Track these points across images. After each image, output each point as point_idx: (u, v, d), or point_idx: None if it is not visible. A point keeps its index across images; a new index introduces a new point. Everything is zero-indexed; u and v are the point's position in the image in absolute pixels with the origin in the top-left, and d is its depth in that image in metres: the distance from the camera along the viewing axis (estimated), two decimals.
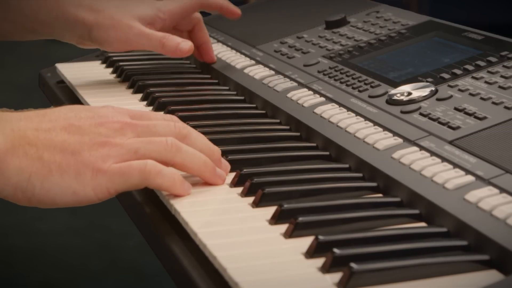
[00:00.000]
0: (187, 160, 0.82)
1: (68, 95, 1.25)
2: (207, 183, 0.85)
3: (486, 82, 0.96)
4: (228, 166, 0.88)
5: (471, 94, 0.94)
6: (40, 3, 1.18)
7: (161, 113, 0.88)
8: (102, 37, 1.17)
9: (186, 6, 1.23)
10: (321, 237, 0.70)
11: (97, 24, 1.17)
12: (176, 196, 0.82)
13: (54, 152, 0.78)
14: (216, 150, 0.87)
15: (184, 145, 0.83)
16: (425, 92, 0.97)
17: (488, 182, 0.78)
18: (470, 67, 1.01)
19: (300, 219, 0.74)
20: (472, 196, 0.75)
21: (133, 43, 1.18)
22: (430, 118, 0.91)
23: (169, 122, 0.85)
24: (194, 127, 0.88)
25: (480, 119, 0.89)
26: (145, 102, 1.15)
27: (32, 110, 0.84)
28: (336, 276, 0.66)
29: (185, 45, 1.17)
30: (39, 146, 0.77)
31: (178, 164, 0.82)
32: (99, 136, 0.80)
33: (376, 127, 0.93)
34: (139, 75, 1.26)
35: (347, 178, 0.87)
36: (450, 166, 0.81)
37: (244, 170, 0.86)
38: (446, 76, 1.00)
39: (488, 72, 0.99)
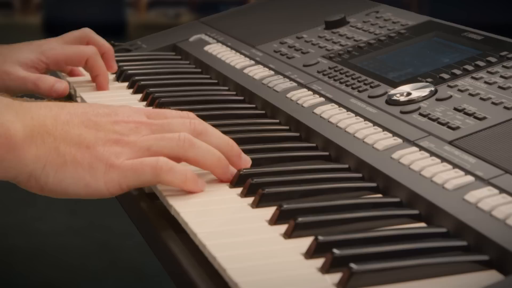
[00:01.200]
0: (200, 156, 0.83)
1: (68, 95, 1.25)
2: (219, 181, 0.86)
3: (485, 82, 0.96)
4: (248, 161, 0.88)
5: (470, 94, 0.94)
6: None
7: (177, 111, 0.88)
8: None
9: (71, 56, 1.22)
10: (320, 238, 0.70)
11: None
12: (190, 192, 0.82)
13: (70, 144, 0.79)
14: (235, 145, 0.87)
15: (198, 141, 0.83)
16: (425, 92, 0.97)
17: (487, 182, 0.78)
18: (469, 67, 1.01)
19: (300, 219, 0.74)
20: (472, 196, 0.75)
21: (11, 88, 1.18)
22: (430, 118, 0.91)
23: (185, 119, 0.86)
24: None
25: (479, 119, 0.89)
26: (144, 103, 1.15)
27: (51, 101, 0.86)
28: (336, 277, 0.66)
29: (60, 86, 1.17)
30: (57, 136, 0.79)
31: (191, 159, 0.83)
32: (114, 134, 0.81)
33: (376, 127, 0.93)
34: (139, 75, 1.26)
35: (346, 179, 0.87)
36: (450, 167, 0.81)
37: (244, 170, 0.86)
38: (445, 76, 1.00)
39: (488, 72, 0.99)
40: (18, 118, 0.78)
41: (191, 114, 0.88)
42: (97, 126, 0.81)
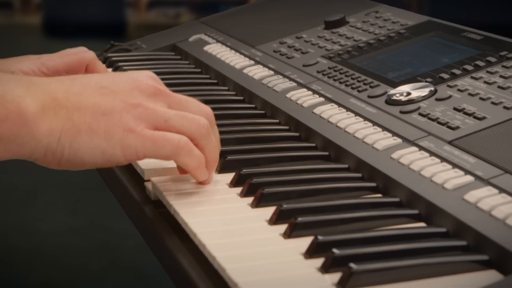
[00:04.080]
0: (208, 148, 0.83)
1: None
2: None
3: (485, 82, 0.96)
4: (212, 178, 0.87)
5: (470, 94, 0.94)
6: None
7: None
8: None
9: (71, 63, 1.21)
10: (320, 237, 0.70)
11: None
12: (196, 178, 0.83)
13: (84, 113, 0.78)
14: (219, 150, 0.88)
15: (211, 133, 0.83)
16: (424, 92, 0.97)
17: (487, 182, 0.78)
18: (469, 67, 1.01)
19: (299, 219, 0.74)
20: (471, 196, 0.75)
21: None
22: (429, 118, 0.91)
23: (201, 103, 0.85)
24: None
25: (479, 119, 0.89)
26: None
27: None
28: (335, 276, 0.66)
29: None
30: (69, 107, 0.78)
31: (200, 146, 0.82)
32: (132, 98, 0.80)
33: (375, 127, 0.93)
34: None
35: (346, 178, 0.87)
36: (449, 166, 0.81)
37: (244, 170, 0.86)
38: (445, 76, 1.00)
39: (487, 72, 0.99)
40: (28, 93, 0.76)
41: (208, 108, 0.87)
42: (113, 93, 0.80)
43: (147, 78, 0.83)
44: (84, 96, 0.79)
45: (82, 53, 1.21)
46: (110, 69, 1.32)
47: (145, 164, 0.88)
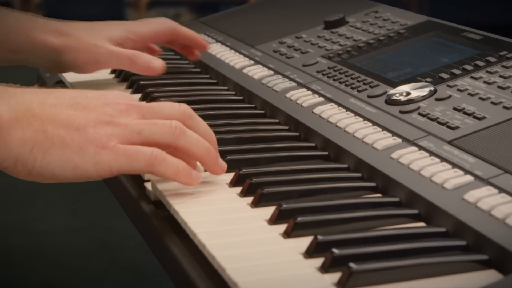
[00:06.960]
0: (190, 145, 0.83)
1: None
2: (210, 172, 0.85)
3: (485, 82, 0.96)
4: (224, 165, 0.87)
5: (470, 94, 0.94)
6: (7, 30, 1.16)
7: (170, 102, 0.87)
8: (71, 60, 1.16)
9: (157, 31, 1.22)
10: (320, 237, 0.70)
11: (65, 47, 1.15)
12: (185, 184, 0.82)
13: (58, 126, 0.78)
14: (215, 139, 0.87)
15: (188, 130, 0.83)
16: (424, 92, 0.97)
17: (487, 182, 0.78)
18: (469, 67, 1.01)
19: (299, 219, 0.74)
20: (471, 196, 0.75)
21: (102, 63, 1.17)
22: (429, 118, 0.91)
23: (174, 103, 0.85)
24: None
25: (479, 119, 0.89)
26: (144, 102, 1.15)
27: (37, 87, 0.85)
28: (335, 276, 0.66)
29: (157, 62, 1.17)
30: (44, 119, 0.78)
31: (181, 147, 0.82)
32: (104, 115, 0.80)
33: (375, 127, 0.93)
34: (138, 75, 1.26)
35: (346, 178, 0.87)
36: (449, 166, 0.81)
37: (243, 170, 0.86)
38: (445, 76, 1.00)
39: (487, 72, 0.99)
40: (2, 101, 0.76)
41: (183, 104, 0.87)
42: (87, 109, 0.80)
43: (119, 95, 0.84)
44: (59, 109, 0.79)
45: (165, 20, 1.22)
46: (109, 69, 1.32)
47: None
